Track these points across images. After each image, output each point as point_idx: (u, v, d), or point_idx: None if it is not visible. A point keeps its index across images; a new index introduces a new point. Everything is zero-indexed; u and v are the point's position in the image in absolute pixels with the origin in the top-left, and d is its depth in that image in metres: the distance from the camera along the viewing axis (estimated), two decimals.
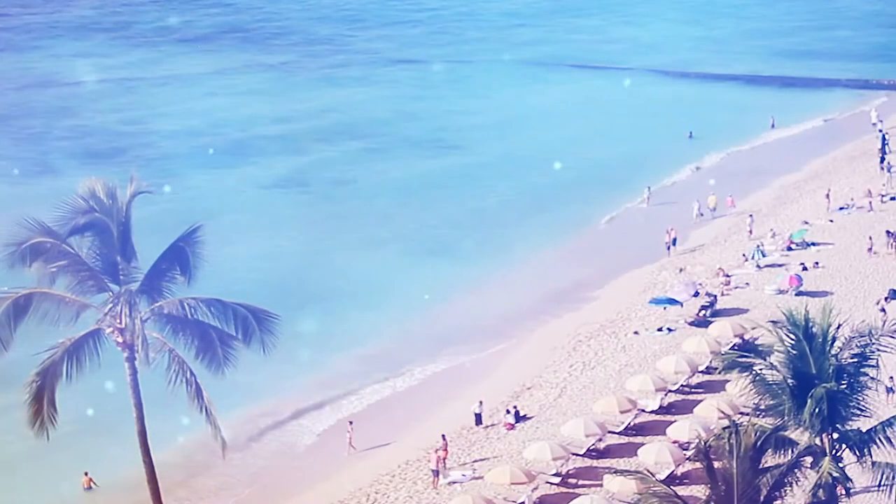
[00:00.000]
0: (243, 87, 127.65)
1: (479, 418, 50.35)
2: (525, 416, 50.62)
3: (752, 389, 31.98)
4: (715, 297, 62.06)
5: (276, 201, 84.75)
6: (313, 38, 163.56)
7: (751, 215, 76.25)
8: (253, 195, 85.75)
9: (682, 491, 36.90)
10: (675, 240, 72.64)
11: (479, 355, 58.48)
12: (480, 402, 50.73)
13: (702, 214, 78.67)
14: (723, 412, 45.83)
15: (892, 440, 31.24)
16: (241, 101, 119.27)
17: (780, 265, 66.85)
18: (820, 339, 31.23)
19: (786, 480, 28.96)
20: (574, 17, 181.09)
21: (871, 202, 77.36)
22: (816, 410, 30.38)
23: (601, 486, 42.52)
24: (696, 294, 62.17)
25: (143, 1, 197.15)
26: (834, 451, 31.04)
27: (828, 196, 78.34)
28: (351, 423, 49.99)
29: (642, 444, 46.01)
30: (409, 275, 67.96)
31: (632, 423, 48.70)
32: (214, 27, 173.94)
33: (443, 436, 47.55)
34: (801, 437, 31.06)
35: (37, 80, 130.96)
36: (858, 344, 31.55)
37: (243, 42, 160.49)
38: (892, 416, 31.88)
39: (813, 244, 70.22)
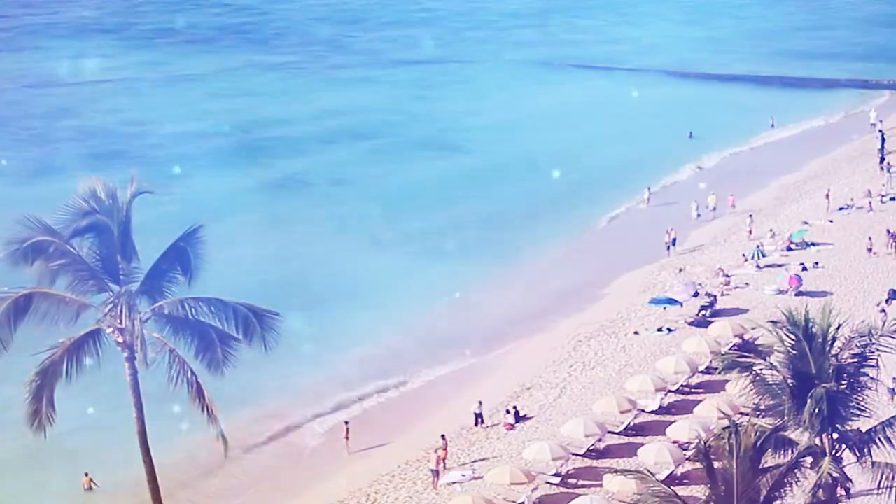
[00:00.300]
0: (246, 88, 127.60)
1: (478, 418, 50.36)
2: (525, 416, 50.61)
3: (751, 389, 32.00)
4: (715, 297, 62.06)
5: (279, 203, 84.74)
6: (315, 39, 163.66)
7: (750, 215, 76.28)
8: (256, 197, 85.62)
9: (681, 491, 36.89)
10: (674, 240, 72.69)
11: (486, 357, 58.41)
12: (480, 403, 50.72)
13: (699, 215, 78.63)
14: (722, 412, 45.84)
15: (892, 440, 31.26)
16: (243, 103, 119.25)
17: (779, 265, 66.85)
18: (820, 340, 31.25)
19: (786, 481, 28.96)
20: (574, 17, 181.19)
21: (870, 202, 77.38)
22: (816, 410, 30.40)
23: (601, 486, 42.53)
24: (696, 294, 62.17)
25: (144, 2, 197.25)
26: (834, 452, 31.06)
27: (827, 196, 78.34)
28: (347, 423, 50.00)
29: (642, 445, 46.00)
30: (413, 276, 67.89)
31: (631, 424, 48.71)
32: (216, 28, 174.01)
33: (442, 436, 47.54)
34: (800, 437, 31.08)
35: (38, 80, 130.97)
36: (858, 344, 31.59)
37: (246, 43, 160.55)
38: (893, 417, 31.91)
39: (813, 244, 70.23)
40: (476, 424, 50.16)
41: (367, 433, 50.03)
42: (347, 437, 49.07)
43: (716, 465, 28.27)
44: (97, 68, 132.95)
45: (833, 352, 31.34)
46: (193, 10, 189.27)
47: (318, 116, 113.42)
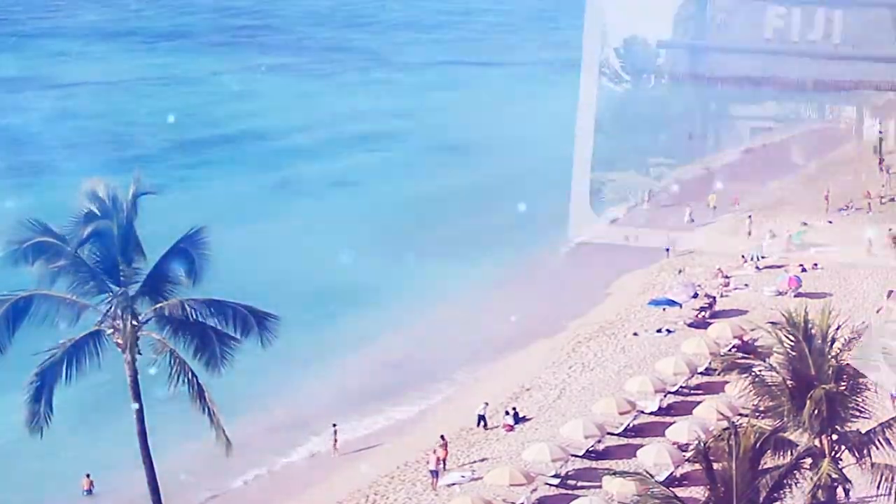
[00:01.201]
0: (248, 90, 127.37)
1: (482, 420, 50.27)
2: (524, 417, 50.64)
3: (751, 391, 32.02)
4: (714, 298, 62.10)
5: (284, 206, 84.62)
6: (319, 42, 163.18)
7: (750, 216, 76.28)
8: (258, 199, 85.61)
9: (681, 492, 36.84)
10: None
11: (485, 359, 58.34)
12: (486, 404, 50.68)
13: (693, 220, 78.25)
14: (722, 413, 45.92)
15: (892, 442, 31.30)
16: (247, 105, 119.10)
17: (779, 266, 66.90)
18: (819, 340, 31.28)
19: (785, 482, 28.99)
20: (574, 17, 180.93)
21: (869, 203, 77.42)
22: (815, 412, 30.43)
23: (600, 487, 42.55)
24: (696, 295, 62.20)
25: (147, 5, 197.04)
26: (833, 453, 31.09)
27: (827, 197, 78.35)
28: (335, 425, 49.91)
29: (641, 446, 46.04)
30: (414, 280, 67.80)
31: (631, 425, 48.73)
32: (219, 30, 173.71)
33: (442, 436, 47.58)
34: (800, 438, 31.11)
35: (40, 82, 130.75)
36: (858, 345, 31.64)
37: (249, 45, 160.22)
38: (892, 418, 31.94)
39: (812, 245, 70.24)
40: (478, 425, 50.15)
41: (366, 435, 50.06)
42: (336, 440, 49.11)
43: (715, 466, 28.28)
44: (100, 70, 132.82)
45: (832, 353, 31.38)
46: (196, 12, 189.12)
47: (323, 119, 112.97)
